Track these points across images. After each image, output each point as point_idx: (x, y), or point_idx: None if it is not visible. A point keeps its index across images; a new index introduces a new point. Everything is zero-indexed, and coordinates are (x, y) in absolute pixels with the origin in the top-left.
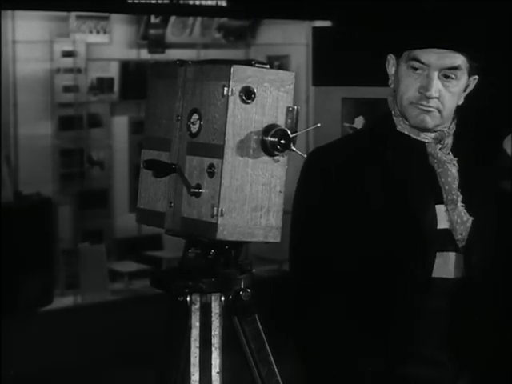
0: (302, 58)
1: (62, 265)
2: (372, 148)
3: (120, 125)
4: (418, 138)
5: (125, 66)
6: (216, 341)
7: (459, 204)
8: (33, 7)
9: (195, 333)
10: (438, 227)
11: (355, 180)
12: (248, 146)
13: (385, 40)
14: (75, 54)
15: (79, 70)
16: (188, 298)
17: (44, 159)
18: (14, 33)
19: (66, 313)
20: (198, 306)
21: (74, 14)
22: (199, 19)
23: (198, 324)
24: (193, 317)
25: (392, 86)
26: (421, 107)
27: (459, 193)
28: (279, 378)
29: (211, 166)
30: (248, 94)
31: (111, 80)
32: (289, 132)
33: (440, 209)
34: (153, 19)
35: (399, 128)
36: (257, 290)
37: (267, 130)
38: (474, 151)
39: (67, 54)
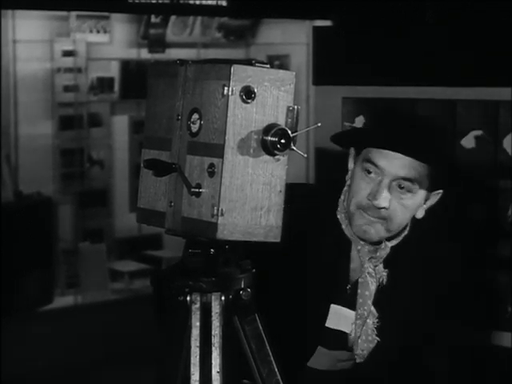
0: (302, 57)
1: (62, 264)
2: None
3: (120, 124)
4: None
5: (125, 65)
6: (216, 340)
7: (369, 321)
8: (33, 7)
9: (195, 332)
10: (337, 328)
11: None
12: (248, 145)
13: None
14: (75, 54)
15: (79, 70)
16: (188, 298)
17: (44, 159)
18: (15, 32)
19: (66, 312)
20: (198, 305)
21: (74, 13)
22: (199, 19)
23: (198, 323)
24: (193, 316)
25: (348, 181)
26: (367, 216)
27: (374, 311)
28: (279, 377)
29: (211, 165)
30: (248, 94)
31: (111, 79)
32: (289, 131)
33: (350, 314)
34: (153, 19)
35: (343, 227)
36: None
37: (267, 129)
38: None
39: (67, 53)
